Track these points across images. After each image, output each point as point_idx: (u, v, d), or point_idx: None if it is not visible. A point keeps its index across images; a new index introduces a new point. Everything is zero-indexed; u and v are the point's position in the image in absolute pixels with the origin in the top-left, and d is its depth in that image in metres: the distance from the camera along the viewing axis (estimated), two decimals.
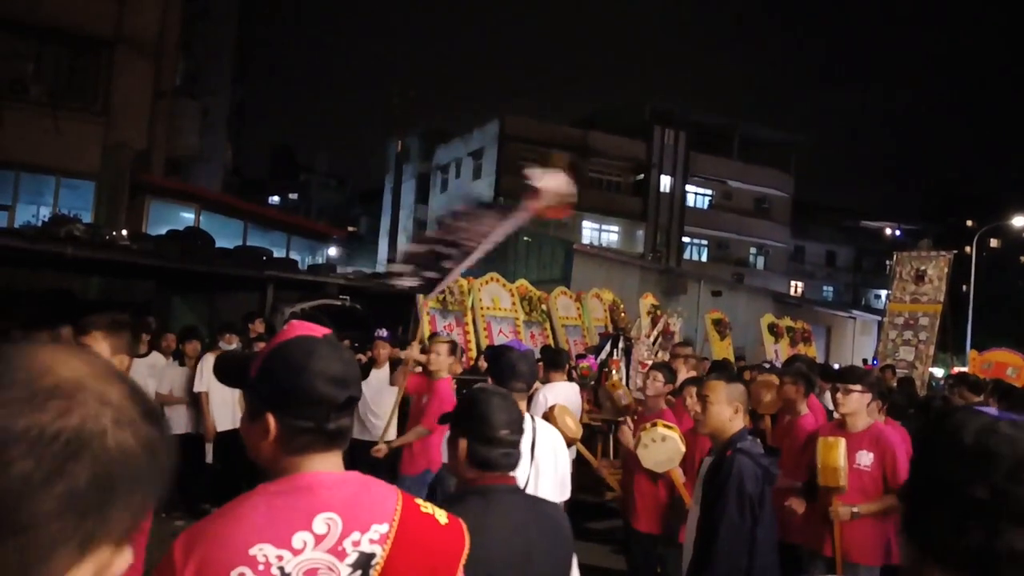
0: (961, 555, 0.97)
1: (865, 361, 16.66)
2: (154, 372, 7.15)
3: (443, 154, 39.54)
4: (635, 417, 5.84)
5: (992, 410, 1.09)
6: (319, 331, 1.41)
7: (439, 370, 5.63)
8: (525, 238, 25.67)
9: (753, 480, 3.05)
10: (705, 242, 40.92)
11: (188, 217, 16.95)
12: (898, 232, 50.61)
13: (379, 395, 6.79)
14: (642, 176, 38.01)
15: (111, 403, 0.61)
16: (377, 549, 1.27)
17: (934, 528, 1.00)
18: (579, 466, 6.01)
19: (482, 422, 2.02)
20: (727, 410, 3.28)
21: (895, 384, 8.93)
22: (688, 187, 39.39)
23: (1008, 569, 0.94)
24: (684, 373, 6.38)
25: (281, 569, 1.21)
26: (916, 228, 46.93)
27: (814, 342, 18.46)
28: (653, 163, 37.79)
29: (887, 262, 18.04)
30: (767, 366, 7.00)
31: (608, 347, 10.09)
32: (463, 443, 2.03)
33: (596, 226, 37.40)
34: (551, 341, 12.92)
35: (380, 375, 6.95)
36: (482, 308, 12.47)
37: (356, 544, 1.26)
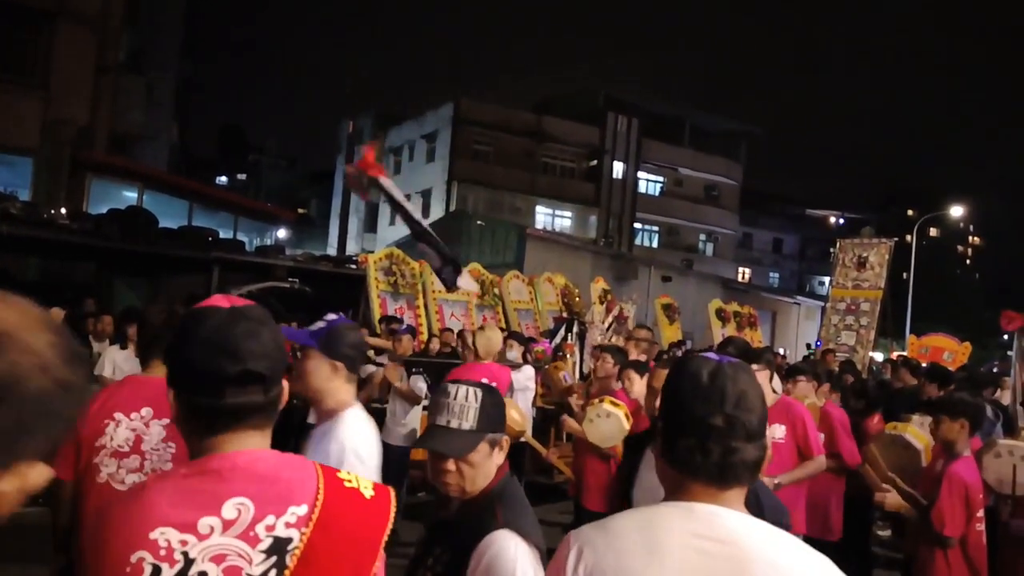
0: (709, 469, 1.28)
1: (808, 345, 17.11)
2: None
3: (396, 136, 39.13)
4: (585, 398, 5.91)
5: (714, 355, 1.40)
6: (228, 301, 1.31)
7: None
8: (479, 222, 25.64)
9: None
10: (656, 228, 41.40)
11: (131, 196, 16.47)
12: (842, 221, 52.02)
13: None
14: (595, 162, 38.22)
15: (35, 351, 0.69)
16: (294, 533, 1.20)
17: (684, 452, 1.29)
18: (532, 451, 6.08)
19: None
20: None
21: (836, 368, 9.17)
22: (640, 174, 39.77)
23: (745, 473, 1.29)
24: (634, 356, 6.46)
25: (185, 555, 1.16)
26: (859, 217, 48.26)
27: (760, 327, 18.88)
28: (606, 149, 38.01)
29: (831, 250, 18.52)
30: (707, 349, 7.13)
31: (563, 331, 10.16)
32: None
33: (549, 211, 37.51)
34: (503, 325, 12.95)
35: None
36: (434, 291, 12.41)
37: (270, 529, 1.19)
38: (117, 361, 7.14)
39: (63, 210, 11.94)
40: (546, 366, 8.09)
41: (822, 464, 4.34)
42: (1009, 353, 11.73)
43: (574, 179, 38.19)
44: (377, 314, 10.88)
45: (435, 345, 9.76)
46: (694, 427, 1.29)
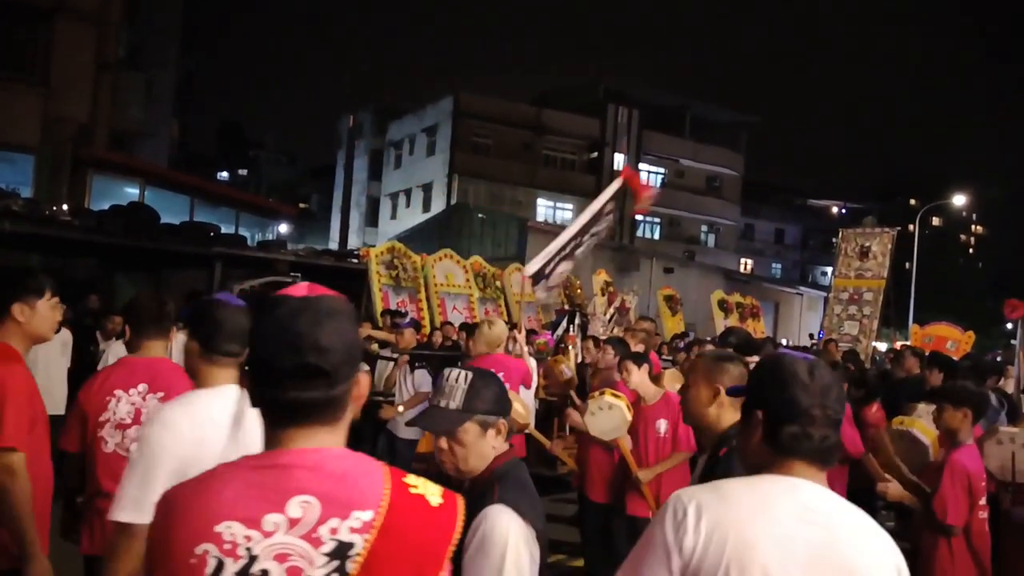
0: (811, 451, 1.53)
1: (811, 335, 17.09)
2: (66, 349, 6.85)
3: (396, 130, 39.09)
4: (587, 390, 5.91)
5: (801, 354, 1.65)
6: (302, 290, 1.27)
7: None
8: (480, 215, 25.63)
9: None
10: (658, 220, 41.34)
11: (132, 192, 16.47)
12: (844, 211, 51.89)
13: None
14: (596, 154, 38.15)
15: None
16: (357, 539, 1.16)
17: (788, 438, 1.53)
18: (535, 443, 6.09)
19: None
20: (705, 393, 2.64)
21: (839, 357, 9.16)
22: (641, 165, 39.68)
23: (835, 455, 1.57)
24: (634, 348, 6.45)
25: (249, 551, 1.14)
26: (861, 207, 48.13)
27: (762, 318, 18.87)
28: (607, 141, 37.94)
29: (833, 240, 18.49)
30: (708, 340, 7.15)
31: (564, 323, 10.16)
32: None
33: (550, 203, 37.48)
34: (505, 317, 12.96)
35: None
36: (436, 284, 12.43)
37: (334, 532, 1.16)
38: (119, 354, 7.13)
39: (65, 207, 11.96)
40: (548, 358, 8.10)
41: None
42: (1012, 342, 11.70)
43: (575, 171, 38.14)
44: (379, 308, 10.90)
45: (437, 338, 9.77)
46: (799, 416, 1.53)
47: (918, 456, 4.33)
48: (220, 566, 1.13)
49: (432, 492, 1.26)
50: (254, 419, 1.94)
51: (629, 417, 4.65)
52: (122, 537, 2.01)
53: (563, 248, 7.24)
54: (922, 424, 4.46)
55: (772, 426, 1.56)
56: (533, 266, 7.29)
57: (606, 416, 4.70)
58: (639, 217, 39.66)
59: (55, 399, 6.16)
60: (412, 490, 1.24)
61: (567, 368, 7.10)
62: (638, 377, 4.86)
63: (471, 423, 2.04)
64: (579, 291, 14.64)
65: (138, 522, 1.93)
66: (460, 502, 1.29)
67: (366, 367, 6.55)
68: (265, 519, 1.15)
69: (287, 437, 1.22)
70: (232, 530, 1.14)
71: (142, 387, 2.92)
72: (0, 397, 2.49)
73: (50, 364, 6.58)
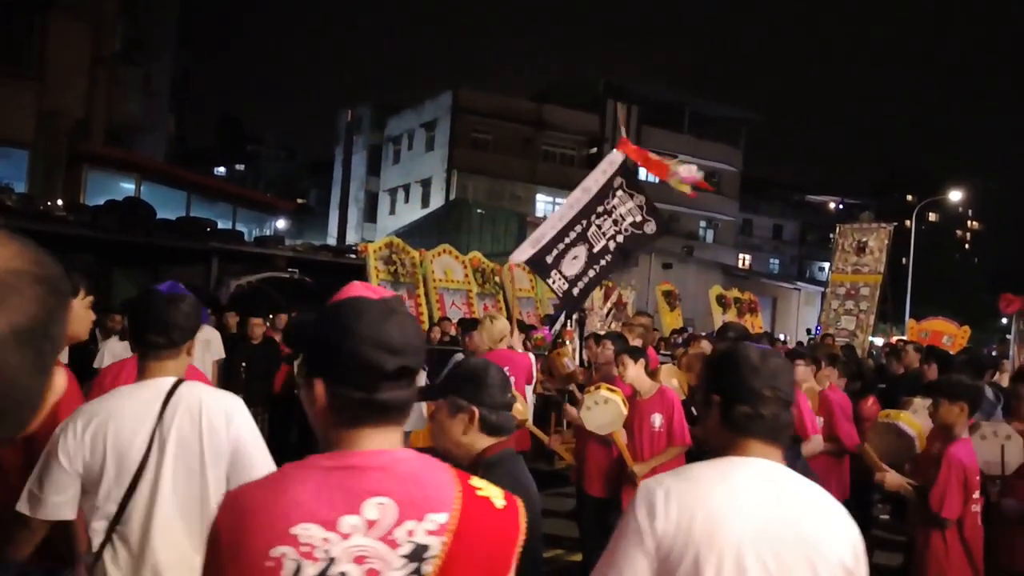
0: (763, 429, 1.66)
1: (809, 331, 17.11)
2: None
3: (395, 125, 39.01)
4: (587, 385, 5.91)
5: (758, 345, 1.82)
6: (377, 292, 1.31)
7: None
8: (479, 211, 25.60)
9: None
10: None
11: (128, 187, 16.45)
12: (841, 206, 51.91)
13: None
14: (595, 150, 38.11)
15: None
16: (434, 541, 1.17)
17: (742, 417, 1.66)
18: (532, 438, 6.09)
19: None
20: None
21: (836, 352, 9.16)
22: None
23: (786, 432, 1.71)
24: (632, 343, 6.45)
25: (327, 553, 1.13)
26: (859, 203, 48.18)
27: (760, 313, 18.87)
28: (606, 137, 37.86)
29: (831, 236, 18.51)
30: (704, 335, 7.14)
31: (562, 318, 10.14)
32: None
33: (550, 199, 37.43)
34: (504, 313, 12.95)
35: None
36: (434, 280, 12.41)
37: (411, 534, 1.17)
38: (116, 352, 7.13)
39: (60, 202, 11.93)
40: (547, 352, 8.09)
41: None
42: (1008, 336, 11.75)
43: (574, 167, 38.06)
44: None
45: (435, 334, 9.76)
46: (751, 397, 1.67)
47: (904, 449, 4.33)
48: (298, 569, 1.12)
49: (495, 495, 1.28)
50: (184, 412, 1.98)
51: (624, 411, 4.65)
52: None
53: (562, 234, 6.96)
54: (907, 416, 4.46)
55: (727, 408, 1.69)
56: (522, 253, 7.06)
57: (601, 410, 4.70)
58: None
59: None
60: (479, 492, 1.26)
61: (569, 361, 7.08)
62: (633, 371, 4.87)
63: (442, 402, 2.12)
64: None
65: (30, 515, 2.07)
66: (520, 504, 1.30)
67: None
68: (342, 521, 1.15)
69: (359, 437, 1.23)
70: (310, 532, 1.14)
71: None
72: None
73: None
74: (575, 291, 7.03)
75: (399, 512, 1.17)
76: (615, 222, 7.14)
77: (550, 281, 7.06)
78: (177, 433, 2.11)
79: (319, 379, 1.24)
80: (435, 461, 1.28)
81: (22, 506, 2.06)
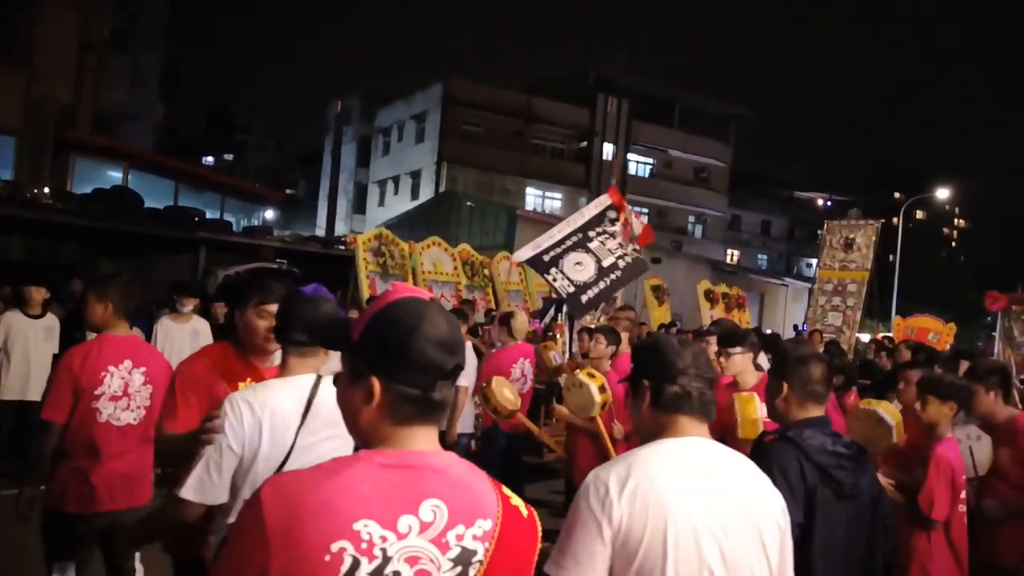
0: (693, 405, 1.78)
1: (796, 327, 17.20)
2: (51, 335, 6.72)
3: (385, 116, 38.84)
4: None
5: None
6: (424, 294, 1.35)
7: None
8: (469, 203, 25.55)
9: (793, 478, 2.42)
10: (646, 210, 41.34)
11: (116, 176, 16.30)
12: (830, 203, 52.13)
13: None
14: (585, 144, 38.11)
15: None
16: (479, 547, 1.21)
17: (672, 396, 1.78)
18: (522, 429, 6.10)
19: None
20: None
21: (822, 348, 9.23)
22: (630, 155, 39.69)
23: (713, 408, 1.82)
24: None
25: (383, 551, 1.14)
26: (847, 199, 48.38)
27: (748, 308, 18.97)
28: (596, 131, 37.89)
29: (819, 232, 18.60)
30: (692, 331, 7.21)
31: (552, 311, 10.14)
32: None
33: (539, 192, 37.43)
34: (493, 305, 12.95)
35: None
36: (423, 272, 12.39)
37: (460, 538, 1.19)
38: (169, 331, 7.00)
39: (47, 189, 11.81)
40: (537, 345, 8.09)
41: None
42: (994, 333, 11.84)
43: (564, 160, 38.08)
44: (366, 295, 10.86)
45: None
46: (677, 376, 1.79)
47: (881, 436, 4.35)
48: (355, 564, 1.13)
49: (520, 504, 1.32)
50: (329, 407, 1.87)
51: (598, 399, 4.55)
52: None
53: (561, 242, 7.53)
54: (888, 406, 4.48)
55: (657, 389, 1.81)
56: (524, 254, 7.56)
57: (576, 394, 4.63)
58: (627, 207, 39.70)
59: (40, 384, 6.11)
60: (511, 501, 1.30)
61: (556, 355, 7.10)
62: (601, 350, 5.09)
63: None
64: None
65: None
66: (535, 514, 1.35)
67: None
68: (400, 520, 1.17)
69: (410, 435, 1.26)
70: (369, 529, 1.14)
71: (127, 363, 3.32)
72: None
73: (35, 349, 6.50)
74: (583, 298, 7.38)
75: (450, 516, 1.20)
76: (620, 245, 7.70)
77: (550, 278, 7.43)
78: (318, 427, 2.20)
79: (375, 377, 1.25)
80: (475, 467, 1.31)
81: (188, 493, 2.05)
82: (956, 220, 68.72)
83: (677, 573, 1.58)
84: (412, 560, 1.16)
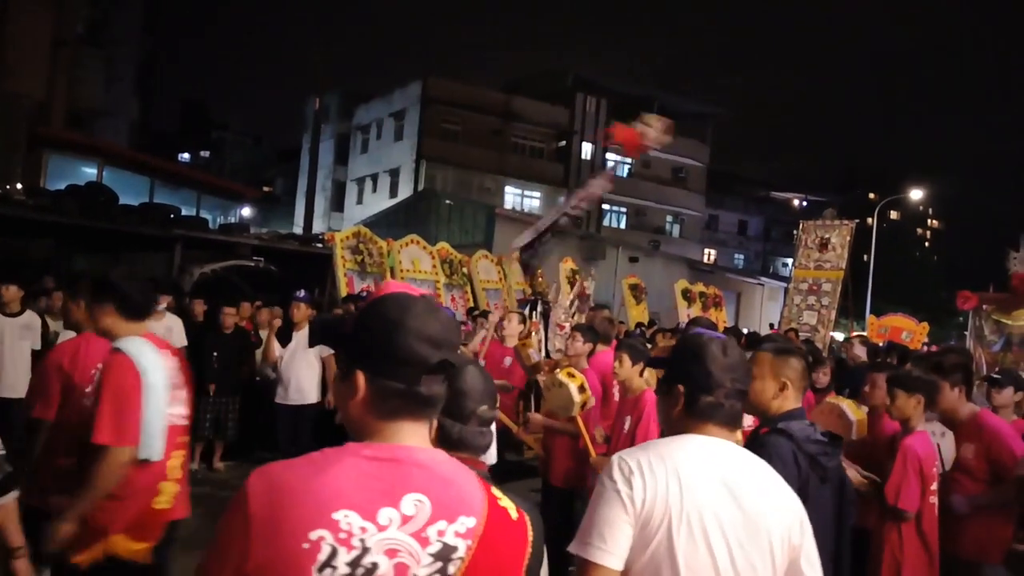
0: (725, 417, 1.80)
1: (772, 325, 17.37)
2: (28, 332, 6.63)
3: (363, 114, 38.65)
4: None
5: (716, 333, 1.98)
6: (416, 290, 1.35)
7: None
8: (447, 202, 25.51)
9: (790, 466, 2.53)
10: (624, 209, 41.57)
11: (90, 172, 16.10)
12: (805, 203, 52.67)
13: (298, 358, 6.69)
14: (564, 143, 38.18)
15: None
16: (461, 544, 1.20)
17: (707, 406, 1.79)
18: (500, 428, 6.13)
19: None
20: (772, 386, 2.70)
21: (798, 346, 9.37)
22: (608, 155, 39.81)
23: (731, 413, 1.82)
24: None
25: (362, 542, 1.15)
26: (822, 200, 48.86)
27: (725, 307, 19.14)
28: (575, 130, 37.98)
29: (794, 232, 18.79)
30: (670, 329, 7.31)
31: (527, 310, 10.17)
32: None
33: (518, 191, 37.44)
34: (472, 303, 12.96)
35: (299, 337, 6.79)
36: (402, 270, 12.37)
37: (441, 534, 1.19)
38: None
39: (19, 186, 11.65)
40: (515, 344, 8.11)
41: None
42: (965, 332, 12.04)
43: (543, 159, 38.13)
44: (344, 293, 10.81)
45: None
46: (714, 389, 1.80)
47: (842, 431, 4.42)
48: (333, 554, 1.13)
49: (510, 506, 1.31)
50: None
51: (577, 399, 4.55)
52: None
53: (552, 225, 8.57)
54: (852, 404, 4.56)
55: (692, 397, 1.82)
56: (524, 239, 8.59)
57: (555, 393, 4.63)
58: (605, 206, 39.88)
59: (18, 382, 6.06)
60: (499, 502, 1.30)
61: (534, 352, 7.14)
62: (628, 371, 4.87)
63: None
64: (541, 279, 14.68)
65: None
66: (528, 519, 1.33)
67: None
68: (380, 512, 1.17)
69: (397, 429, 1.27)
70: (349, 519, 1.15)
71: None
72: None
73: (10, 347, 6.41)
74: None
75: (432, 511, 1.20)
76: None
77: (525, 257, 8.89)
78: None
79: (360, 371, 1.27)
80: (464, 466, 1.31)
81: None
82: (929, 221, 69.77)
83: (686, 564, 1.62)
84: (391, 552, 1.16)
